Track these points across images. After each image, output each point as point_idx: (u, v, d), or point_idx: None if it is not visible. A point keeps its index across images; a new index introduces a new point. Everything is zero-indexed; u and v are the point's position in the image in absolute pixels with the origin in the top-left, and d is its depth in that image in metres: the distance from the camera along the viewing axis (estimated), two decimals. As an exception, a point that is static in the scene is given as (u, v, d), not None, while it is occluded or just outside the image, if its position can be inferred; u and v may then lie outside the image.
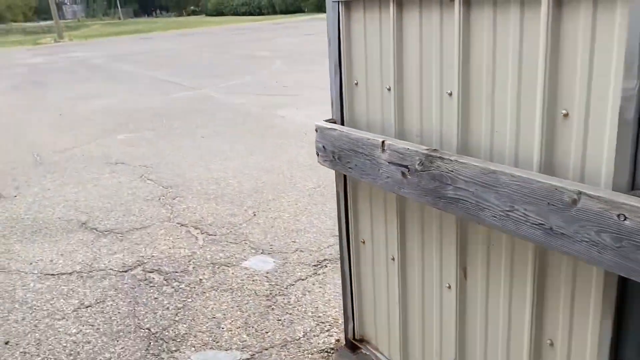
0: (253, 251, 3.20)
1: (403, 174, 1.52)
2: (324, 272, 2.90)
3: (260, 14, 52.16)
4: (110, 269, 3.08)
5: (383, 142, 1.57)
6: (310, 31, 22.78)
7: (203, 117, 7.17)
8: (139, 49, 20.00)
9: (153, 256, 3.21)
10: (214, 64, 13.34)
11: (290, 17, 41.28)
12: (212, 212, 3.83)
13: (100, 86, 10.87)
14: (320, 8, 46.25)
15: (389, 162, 1.56)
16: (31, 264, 3.21)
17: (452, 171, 1.38)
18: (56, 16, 33.05)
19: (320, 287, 2.75)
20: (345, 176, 1.92)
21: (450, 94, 1.45)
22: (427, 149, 1.44)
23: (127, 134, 6.48)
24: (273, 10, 52.23)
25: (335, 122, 1.88)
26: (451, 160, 1.37)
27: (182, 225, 3.65)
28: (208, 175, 4.66)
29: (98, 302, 2.72)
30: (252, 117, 6.97)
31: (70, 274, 3.06)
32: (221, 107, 7.73)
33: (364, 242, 1.95)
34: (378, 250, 1.88)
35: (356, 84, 1.78)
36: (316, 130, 1.88)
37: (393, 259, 1.82)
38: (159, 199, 4.17)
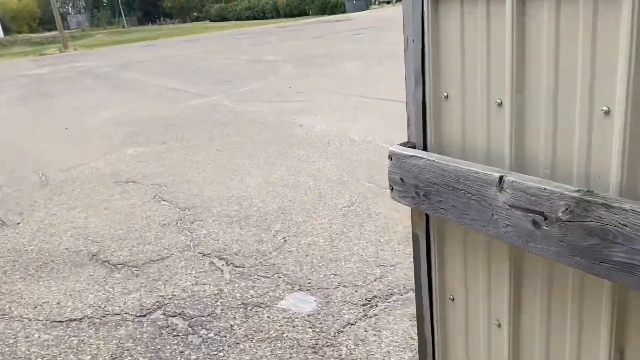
0: (289, 287, 2.78)
1: (535, 223, 1.10)
2: (375, 314, 2.48)
3: (264, 18, 51.88)
4: (127, 313, 2.67)
5: (501, 177, 1.15)
6: (316, 34, 22.41)
7: (216, 127, 6.77)
8: (145, 56, 19.68)
9: (174, 295, 2.80)
10: (222, 70, 12.96)
11: (295, 20, 40.98)
12: (237, 239, 3.41)
13: (107, 96, 10.51)
14: (324, 11, 45.97)
15: (510, 206, 1.14)
16: (36, 307, 2.81)
17: (626, 225, 0.96)
18: (60, 26, 32.85)
19: (375, 334, 2.33)
20: (427, 215, 1.50)
21: (607, 112, 1.03)
22: (579, 191, 1.02)
23: (137, 148, 6.09)
24: (277, 14, 51.96)
25: (414, 147, 1.46)
26: (624, 210, 0.95)
27: (204, 255, 3.24)
28: (228, 194, 4.25)
29: (114, 359, 2.31)
30: (268, 126, 6.56)
31: (81, 320, 2.65)
32: (234, 116, 7.33)
33: (452, 299, 1.53)
34: (475, 312, 1.46)
35: (446, 96, 1.36)
36: (390, 158, 1.46)
37: (499, 325, 1.39)
38: (177, 224, 3.76)
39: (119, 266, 3.20)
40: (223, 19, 58.39)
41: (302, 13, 49.31)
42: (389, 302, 2.56)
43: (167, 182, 4.70)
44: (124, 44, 30.41)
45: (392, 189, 1.48)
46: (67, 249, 3.51)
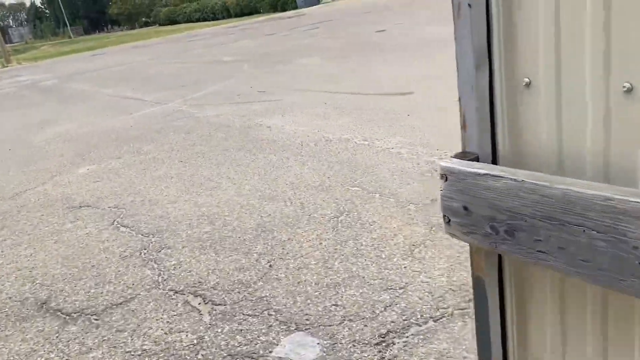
0: (284, 327, 2.31)
1: None
2: (394, 356, 2.04)
3: (215, 19, 50.86)
4: (86, 380, 2.16)
5: (663, 208, 0.72)
6: (270, 31, 21.86)
7: (176, 136, 6.22)
8: (93, 66, 18.75)
9: (145, 350, 2.30)
10: (177, 74, 12.31)
11: (246, 19, 40.25)
12: (213, 268, 2.93)
13: (54, 111, 9.76)
14: (275, 8, 45.34)
15: (681, 252, 0.72)
16: (-30, 383, 2.26)
17: None
18: (1, 40, 31.25)
19: (401, 384, 1.89)
20: (500, 256, 1.07)
21: None
22: None
23: (90, 166, 5.49)
24: (228, 14, 51.01)
25: (476, 159, 1.02)
26: None
27: (176, 292, 2.74)
28: (197, 213, 3.74)
29: None
30: (233, 130, 6.05)
31: (28, 395, 2.13)
32: (195, 123, 6.79)
33: (541, 368, 1.10)
34: (581, 388, 1.03)
35: (527, 84, 0.92)
36: (444, 178, 1.01)
37: (624, 409, 0.97)
38: (140, 254, 3.24)
39: (75, 315, 2.66)
40: (173, 22, 57.04)
41: (253, 11, 48.58)
42: (407, 338, 2.13)
43: (126, 204, 4.16)
44: (70, 55, 29.16)
45: (448, 222, 1.03)
46: (9, 298, 2.95)
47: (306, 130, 5.51)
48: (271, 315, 2.41)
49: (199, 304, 2.60)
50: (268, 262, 2.89)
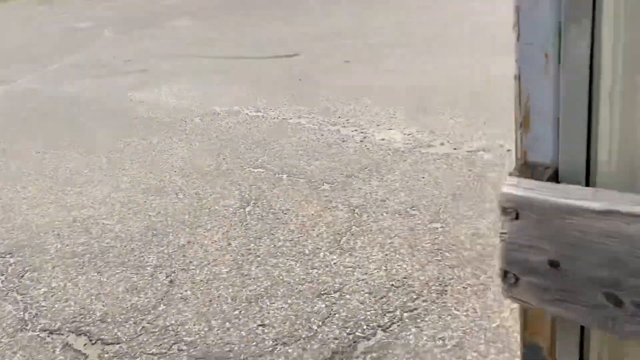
0: (201, 366, 1.83)
1: None
2: (349, 388, 1.66)
3: (63, -19, 46.09)
4: None
5: None
6: (130, -8, 20.03)
7: (30, 120, 5.26)
8: None
9: None
10: (25, 45, 10.74)
11: (100, -20, 36.75)
12: (97, 292, 2.34)
13: None
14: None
15: None
16: None
17: None
18: None
19: None
20: (583, 330, 0.69)
21: None
22: None
23: None
24: (77, -24, 46.38)
25: (555, 178, 0.61)
26: None
27: (51, 333, 2.13)
28: (68, 218, 3.06)
29: None
30: (99, 109, 5.23)
31: None
32: (53, 103, 5.81)
33: None
34: None
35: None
36: (513, 214, 0.59)
37: None
38: (-4, 283, 2.54)
39: None
40: (12, -14, 50.86)
41: (106, -28, 44.58)
42: (356, 359, 1.76)
43: (-28, 214, 3.33)
44: None
45: (514, 281, 0.62)
46: None
47: (187, 104, 4.88)
48: (182, 350, 1.91)
49: (84, 345, 2.02)
50: (167, 277, 2.35)
